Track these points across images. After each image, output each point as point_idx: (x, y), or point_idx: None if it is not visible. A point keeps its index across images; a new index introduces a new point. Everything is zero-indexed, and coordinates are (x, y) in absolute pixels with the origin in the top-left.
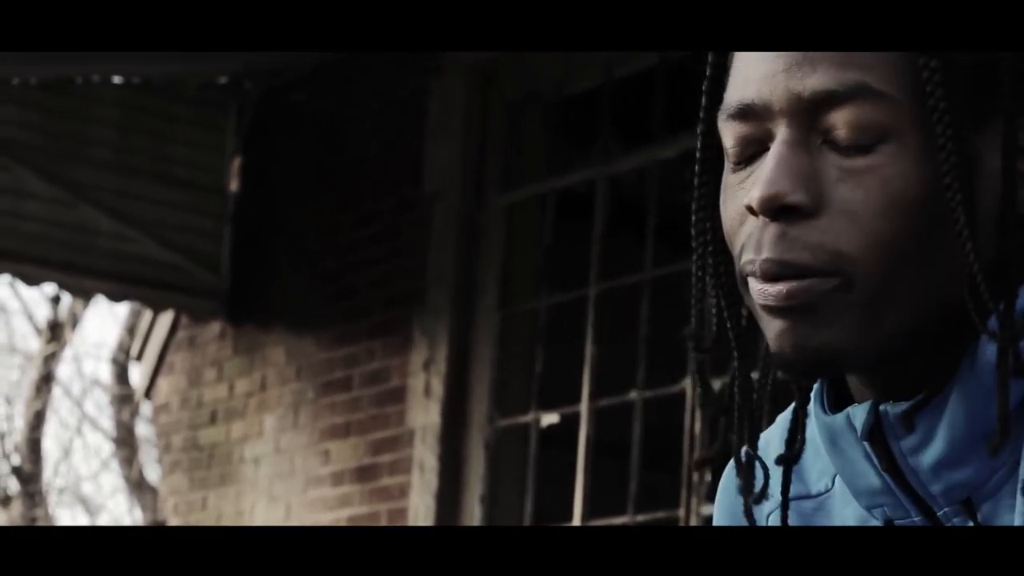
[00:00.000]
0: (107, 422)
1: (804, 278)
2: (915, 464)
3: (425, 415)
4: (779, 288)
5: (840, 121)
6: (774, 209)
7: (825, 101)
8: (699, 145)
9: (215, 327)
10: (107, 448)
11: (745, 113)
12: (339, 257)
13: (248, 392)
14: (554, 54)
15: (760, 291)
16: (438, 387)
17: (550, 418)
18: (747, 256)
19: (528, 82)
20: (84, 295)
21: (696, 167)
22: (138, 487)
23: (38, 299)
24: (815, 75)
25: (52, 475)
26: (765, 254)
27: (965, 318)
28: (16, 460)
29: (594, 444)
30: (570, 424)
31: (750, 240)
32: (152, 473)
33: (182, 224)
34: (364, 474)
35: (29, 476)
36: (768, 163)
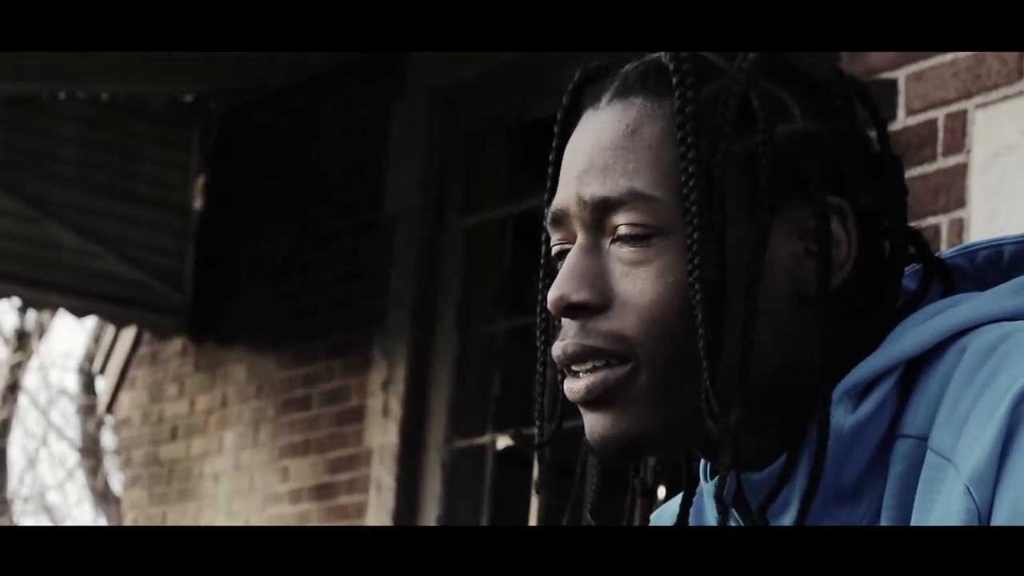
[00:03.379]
0: (73, 432)
1: (599, 365)
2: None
3: (383, 435)
4: (581, 384)
5: (619, 222)
6: (564, 308)
7: (603, 206)
8: (543, 252)
9: (177, 343)
10: (73, 458)
11: (556, 220)
12: (300, 276)
13: (209, 409)
14: (515, 80)
15: (568, 390)
16: (396, 408)
17: (506, 440)
18: (556, 348)
19: (489, 107)
20: (48, 310)
21: (540, 272)
22: (103, 497)
23: (5, 308)
24: (595, 184)
25: (17, 484)
26: (567, 340)
27: (792, 392)
28: None
29: (550, 466)
30: (527, 446)
31: (560, 335)
32: (117, 484)
33: (145, 241)
34: (322, 492)
35: None
36: (561, 269)
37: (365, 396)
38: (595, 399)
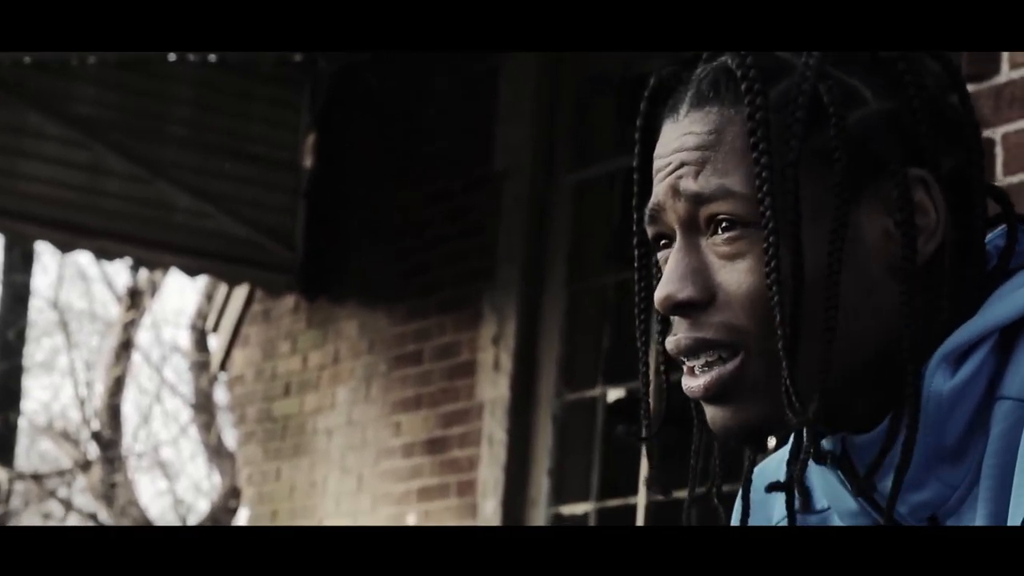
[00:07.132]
0: (186, 388)
1: (711, 359)
2: (880, 488)
3: (494, 389)
4: (698, 383)
5: (712, 216)
6: (671, 307)
7: (696, 200)
8: (636, 255)
9: (289, 301)
10: (186, 414)
11: (652, 216)
12: (410, 233)
13: (321, 365)
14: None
15: (685, 387)
16: (507, 362)
17: (617, 393)
18: (670, 343)
19: (597, 62)
20: (161, 269)
21: (636, 275)
22: (216, 453)
23: (118, 267)
24: (688, 180)
25: (131, 440)
26: (680, 334)
27: (898, 357)
28: (96, 426)
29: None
30: (637, 398)
31: (673, 331)
32: (230, 439)
33: (257, 200)
34: (434, 446)
35: (109, 442)
36: (665, 270)
37: (476, 351)
38: (713, 396)
